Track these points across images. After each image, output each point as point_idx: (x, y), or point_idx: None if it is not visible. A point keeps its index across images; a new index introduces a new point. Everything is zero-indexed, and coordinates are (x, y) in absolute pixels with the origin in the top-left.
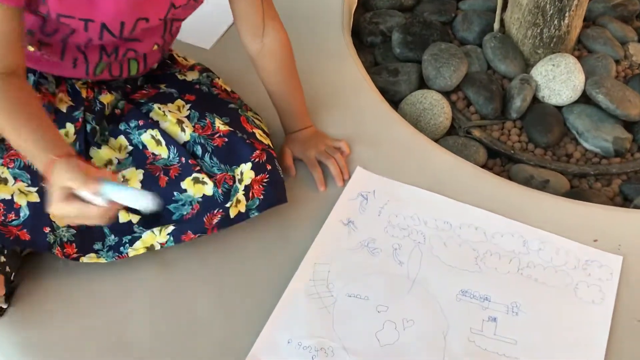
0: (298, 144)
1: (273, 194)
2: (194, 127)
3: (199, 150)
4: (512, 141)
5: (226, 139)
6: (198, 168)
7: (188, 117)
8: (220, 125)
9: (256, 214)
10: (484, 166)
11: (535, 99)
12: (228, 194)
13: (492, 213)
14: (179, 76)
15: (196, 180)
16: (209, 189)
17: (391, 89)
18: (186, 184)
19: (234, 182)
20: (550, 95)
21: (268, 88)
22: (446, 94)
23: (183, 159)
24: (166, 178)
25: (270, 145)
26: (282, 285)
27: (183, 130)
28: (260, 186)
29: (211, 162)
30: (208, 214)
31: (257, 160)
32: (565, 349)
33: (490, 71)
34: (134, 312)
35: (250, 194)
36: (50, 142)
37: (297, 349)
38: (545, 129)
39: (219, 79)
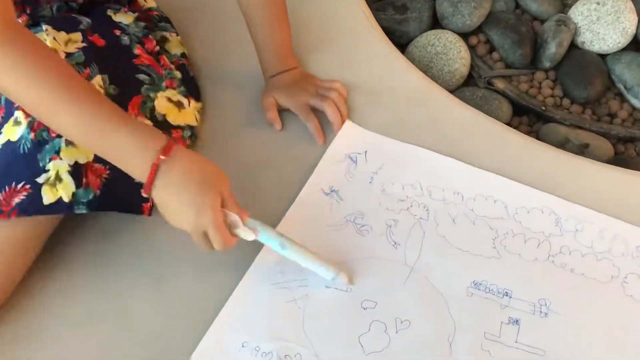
0: (283, 90)
1: (119, 194)
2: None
3: None
4: (544, 95)
5: None
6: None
7: (71, 54)
8: (96, 86)
9: (85, 211)
10: (507, 125)
11: (574, 45)
12: (41, 147)
13: (517, 182)
14: (109, 12)
15: (16, 122)
16: (19, 131)
17: (398, 29)
18: (7, 127)
19: (59, 135)
20: (592, 41)
21: (248, 16)
22: (464, 35)
23: None
24: None
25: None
26: (239, 271)
27: None
28: (98, 180)
29: None
30: (7, 188)
31: None
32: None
33: (519, 10)
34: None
35: (83, 181)
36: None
37: (254, 355)
38: (584, 81)
39: (169, 37)
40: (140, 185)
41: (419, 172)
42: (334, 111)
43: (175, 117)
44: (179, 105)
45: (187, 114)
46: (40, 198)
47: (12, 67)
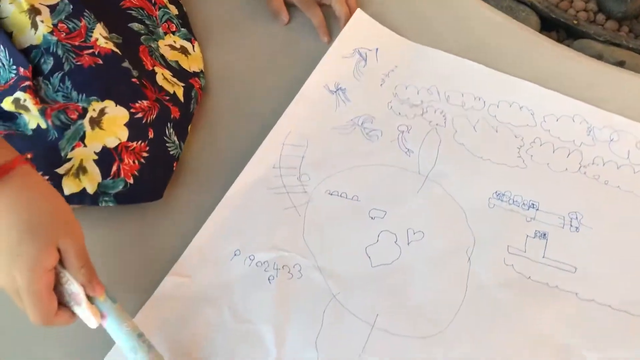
0: None
1: (150, 181)
2: (55, 26)
3: (48, 63)
4: (576, 9)
5: (100, 61)
6: (26, 83)
7: (54, 7)
8: (100, 38)
9: (112, 204)
10: None
11: None
12: (61, 133)
13: (545, 88)
14: None
15: (17, 104)
16: (34, 118)
17: None
18: (6, 105)
19: (81, 117)
20: None
21: None
22: None
23: (21, 70)
24: None
25: (179, 98)
26: (232, 173)
27: (35, 25)
28: (136, 162)
29: (60, 87)
30: None
31: (139, 115)
32: None
33: None
34: None
35: (114, 168)
36: None
37: (247, 265)
38: None
39: None
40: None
41: (436, 75)
42: (341, 5)
43: (186, 65)
44: (184, 51)
45: (195, 59)
46: (61, 189)
47: None
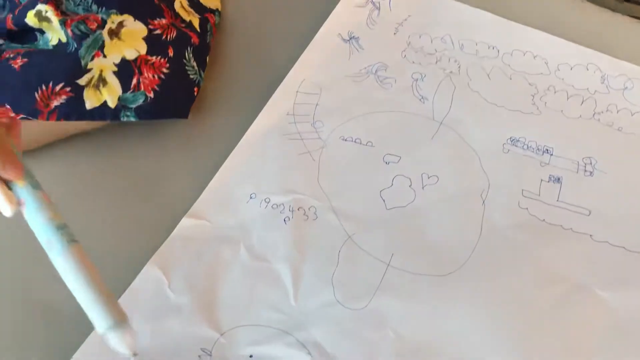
0: None
1: (171, 98)
2: None
3: None
4: None
5: None
6: None
7: None
8: None
9: (133, 119)
10: None
11: None
12: (81, 43)
13: (558, 38)
14: None
15: (39, 16)
16: (56, 29)
17: None
18: (30, 20)
19: (100, 27)
20: None
21: None
22: None
23: None
24: (10, 17)
25: (195, 27)
26: (246, 118)
27: None
28: (156, 77)
29: (81, 0)
30: (43, 87)
31: (157, 32)
32: None
33: None
34: None
35: (134, 81)
36: None
37: (263, 206)
38: None
39: None
40: (193, 81)
41: (450, 24)
42: None
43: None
44: (181, 4)
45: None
46: (83, 102)
47: None
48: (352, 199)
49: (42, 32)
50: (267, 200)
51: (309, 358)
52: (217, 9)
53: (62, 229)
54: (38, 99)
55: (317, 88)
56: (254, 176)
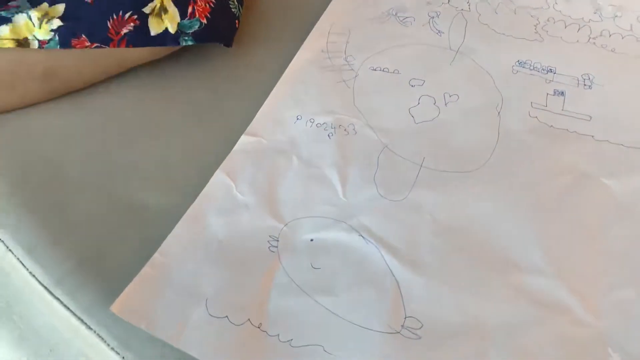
0: None
1: (220, 24)
2: None
3: None
4: None
5: None
6: None
7: None
8: None
9: (191, 43)
10: None
11: None
12: None
13: None
14: None
15: None
16: None
17: None
18: None
19: None
20: None
21: None
22: None
23: None
24: None
25: None
26: (286, 55)
27: None
28: (207, 5)
29: None
30: (114, 16)
31: None
32: None
33: None
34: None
35: (189, 9)
36: None
37: (309, 125)
38: None
39: None
40: (234, 14)
41: None
42: None
43: None
44: None
45: None
46: (148, 29)
47: None
48: (385, 116)
49: None
50: (312, 120)
51: (361, 238)
52: None
53: None
54: (110, 27)
55: (346, 30)
56: (299, 101)
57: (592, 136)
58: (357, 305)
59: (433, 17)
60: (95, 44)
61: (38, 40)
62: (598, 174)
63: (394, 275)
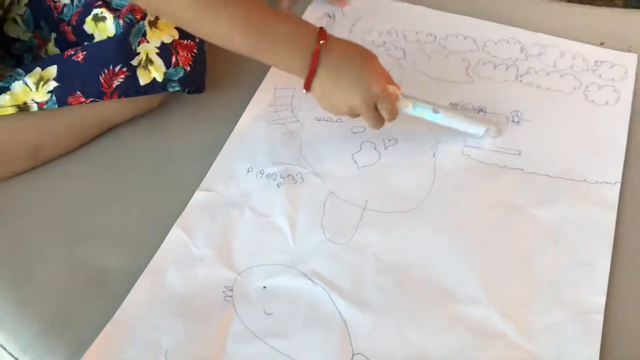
0: None
1: (199, 72)
2: None
3: None
4: None
5: None
6: (100, 2)
7: None
8: None
9: (178, 89)
10: None
11: None
12: (130, 30)
13: (483, 20)
14: None
15: (96, 18)
16: (110, 25)
17: None
18: (88, 25)
19: (143, 18)
20: None
21: None
22: None
23: None
24: (70, 28)
25: None
26: (237, 115)
27: None
28: (189, 55)
29: None
30: (106, 71)
31: None
32: (579, 152)
33: None
34: None
35: (173, 60)
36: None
37: (259, 177)
38: None
39: None
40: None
41: (394, 20)
42: None
43: None
44: None
45: None
46: (137, 80)
47: None
48: (330, 163)
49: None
50: (262, 171)
51: (310, 283)
52: None
53: (432, 103)
54: (102, 81)
55: (292, 83)
56: (250, 154)
57: (522, 169)
58: (308, 346)
59: None
60: (90, 99)
61: (36, 102)
62: (527, 205)
63: (341, 316)
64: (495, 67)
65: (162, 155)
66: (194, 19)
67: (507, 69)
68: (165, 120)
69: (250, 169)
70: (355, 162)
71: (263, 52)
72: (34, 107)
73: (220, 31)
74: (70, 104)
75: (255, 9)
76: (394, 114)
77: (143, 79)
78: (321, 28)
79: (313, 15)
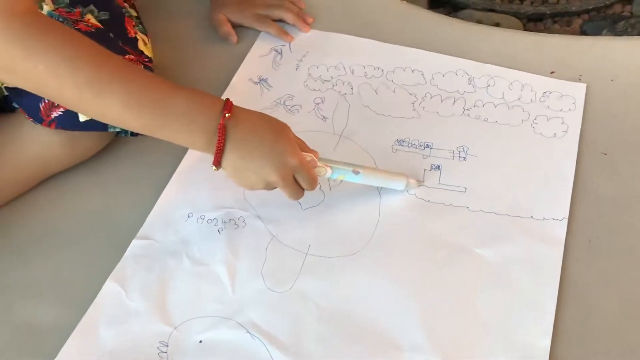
0: (232, 7)
1: None
2: (56, 9)
3: None
4: None
5: (93, 30)
6: None
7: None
8: (92, 18)
9: (119, 129)
10: None
11: None
12: None
13: (430, 52)
14: None
15: None
16: None
17: None
18: None
19: None
20: None
21: None
22: None
23: None
24: None
25: (151, 57)
26: (178, 157)
27: (40, 7)
28: None
29: None
30: (46, 100)
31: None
32: (526, 188)
33: None
34: None
35: None
36: (176, 92)
37: (200, 222)
38: None
39: None
40: None
41: (341, 54)
42: (291, 14)
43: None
44: (144, 41)
45: (149, 49)
46: (77, 115)
47: (48, 52)
48: (274, 206)
49: None
50: (203, 217)
51: (248, 335)
52: (150, 59)
53: (352, 164)
54: (42, 108)
55: None
56: (190, 199)
57: (467, 207)
58: None
59: (318, 104)
60: (31, 118)
61: None
62: (472, 245)
63: None
64: (442, 101)
65: (100, 202)
66: (78, 99)
67: (455, 102)
68: (104, 164)
69: (190, 215)
70: (300, 203)
71: (162, 131)
72: None
73: (110, 111)
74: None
75: (147, 84)
76: (313, 183)
77: (83, 116)
78: (227, 100)
79: (260, 52)
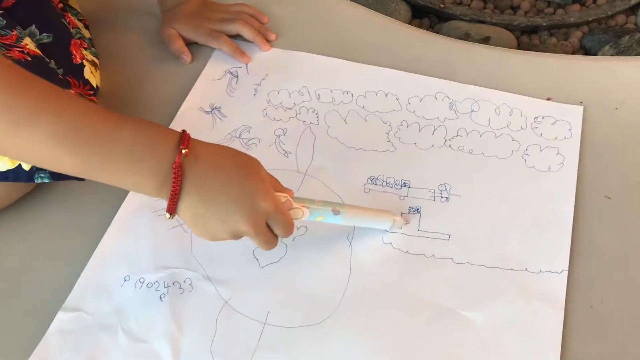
0: (184, 21)
1: None
2: None
3: None
4: None
5: (29, 58)
6: None
7: None
8: (30, 43)
9: (47, 180)
10: None
11: None
12: None
13: (405, 72)
14: None
15: None
16: None
17: None
18: None
19: None
20: None
21: None
22: None
23: None
24: None
25: (97, 87)
26: (115, 203)
27: None
28: None
29: None
30: None
31: None
32: (518, 234)
33: None
34: None
35: None
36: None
37: (138, 287)
38: None
39: None
40: None
41: (305, 77)
42: (249, 30)
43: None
44: (94, 65)
45: (96, 77)
46: None
47: None
48: (227, 263)
49: None
50: (142, 280)
51: None
52: (97, 87)
53: (331, 203)
54: None
55: None
56: (127, 257)
57: (452, 259)
58: None
59: (280, 136)
60: None
61: None
62: (458, 306)
63: None
64: (420, 130)
65: (20, 263)
66: None
67: (434, 131)
68: (25, 209)
69: (127, 277)
70: (257, 259)
71: (101, 173)
72: None
73: (34, 147)
74: None
75: (82, 113)
76: (289, 228)
77: (5, 165)
78: (183, 131)
79: (212, 75)
